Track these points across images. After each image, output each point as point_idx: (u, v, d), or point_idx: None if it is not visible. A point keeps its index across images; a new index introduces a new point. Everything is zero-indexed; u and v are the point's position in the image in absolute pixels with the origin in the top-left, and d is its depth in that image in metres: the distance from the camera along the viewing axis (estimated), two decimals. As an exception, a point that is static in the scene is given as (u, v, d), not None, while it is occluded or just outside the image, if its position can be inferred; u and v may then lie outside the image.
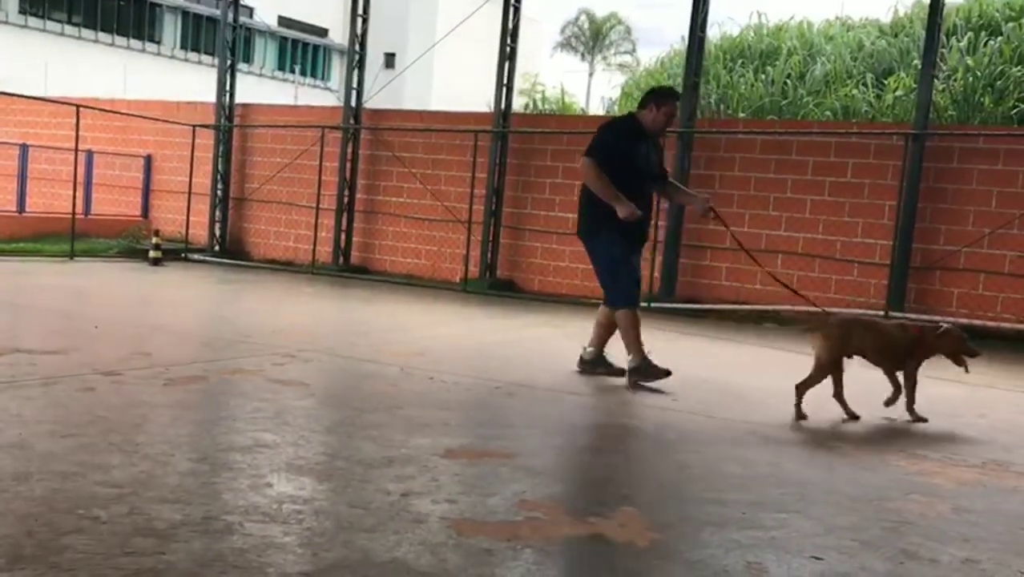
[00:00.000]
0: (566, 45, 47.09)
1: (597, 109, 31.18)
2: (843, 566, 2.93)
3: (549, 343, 7.98)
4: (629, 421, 4.95)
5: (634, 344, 5.96)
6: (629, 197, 5.81)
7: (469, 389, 5.59)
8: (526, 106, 25.01)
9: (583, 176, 6.02)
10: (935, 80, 10.43)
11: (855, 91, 17.67)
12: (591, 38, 46.41)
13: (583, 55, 46.85)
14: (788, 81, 18.69)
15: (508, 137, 12.62)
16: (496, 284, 12.42)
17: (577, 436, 4.48)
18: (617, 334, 6.11)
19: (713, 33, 20.70)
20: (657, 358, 6.02)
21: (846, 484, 3.95)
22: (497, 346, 7.55)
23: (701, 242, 11.48)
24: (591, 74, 45.89)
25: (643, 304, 10.98)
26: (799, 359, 7.86)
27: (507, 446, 4.16)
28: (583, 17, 46.68)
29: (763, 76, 19.05)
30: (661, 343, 8.45)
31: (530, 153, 12.62)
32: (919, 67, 11.65)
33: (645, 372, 5.92)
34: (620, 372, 6.10)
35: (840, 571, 2.89)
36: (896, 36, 19.55)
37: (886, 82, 17.39)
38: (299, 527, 2.94)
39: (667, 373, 5.92)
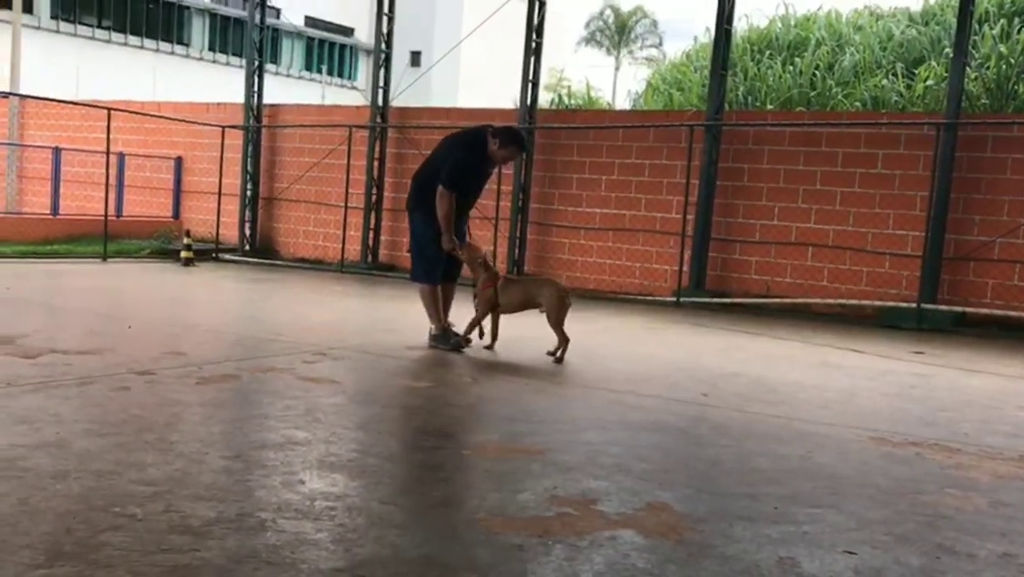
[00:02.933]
0: (591, 39, 46.92)
1: (623, 103, 31.06)
2: (877, 561, 2.90)
3: (577, 339, 7.95)
4: (660, 416, 4.93)
5: (433, 315, 6.69)
6: (459, 206, 6.62)
7: (498, 385, 5.60)
8: (552, 101, 24.97)
9: (438, 199, 6.50)
10: (967, 68, 10.28)
11: (885, 81, 17.46)
12: (616, 32, 46.21)
13: (608, 49, 46.65)
14: (817, 72, 18.50)
15: (535, 133, 12.61)
16: (524, 280, 12.41)
17: (608, 431, 4.47)
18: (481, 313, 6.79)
19: (740, 24, 20.53)
20: (688, 352, 5.99)
21: (880, 478, 3.91)
22: (525, 342, 7.54)
23: (730, 236, 11.41)
24: (617, 68, 45.71)
25: (672, 298, 11.02)
26: (829, 352, 7.82)
27: (537, 442, 4.17)
28: (608, 11, 46.50)
29: (791, 67, 18.87)
30: (691, 337, 8.43)
31: (556, 149, 12.60)
32: (950, 56, 11.48)
33: (442, 339, 6.61)
34: (458, 346, 6.61)
35: (874, 566, 2.86)
36: (927, 24, 19.28)
37: (916, 72, 17.16)
38: (331, 523, 2.96)
39: (459, 349, 6.54)
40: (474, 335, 6.69)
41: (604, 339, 8.08)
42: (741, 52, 19.55)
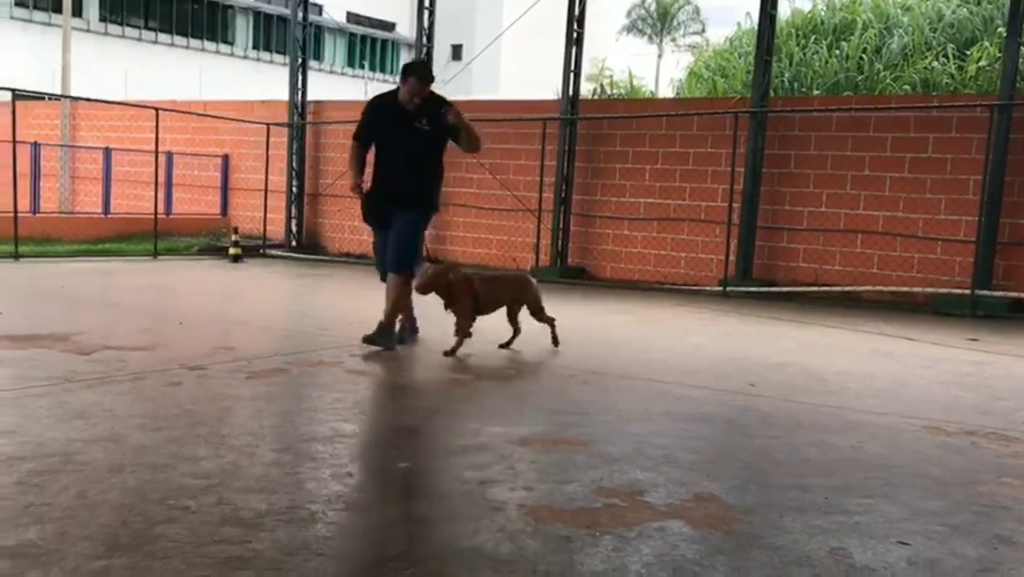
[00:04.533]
0: (633, 28, 46.54)
1: (667, 91, 30.79)
2: (931, 552, 2.85)
3: (622, 330, 7.93)
4: (708, 407, 4.89)
5: (404, 308, 6.35)
6: (380, 168, 6.26)
7: (542, 377, 5.60)
8: (594, 92, 24.84)
9: None
10: (1021, 48, 10.01)
11: (935, 63, 17.11)
12: (658, 20, 45.79)
13: (651, 37, 46.26)
14: (864, 56, 18.19)
15: (577, 124, 12.56)
16: (567, 272, 12.39)
17: (655, 422, 4.45)
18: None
19: (784, 9, 20.23)
20: (735, 342, 5.94)
21: (934, 468, 3.84)
22: (569, 334, 7.53)
23: (777, 224, 11.27)
24: (659, 56, 45.30)
25: (719, 288, 10.92)
26: (880, 340, 7.69)
27: (583, 433, 4.16)
28: (650, -1, 46.10)
29: (837, 52, 18.57)
30: (739, 327, 8.35)
31: (599, 139, 12.54)
32: (1004, 35, 11.20)
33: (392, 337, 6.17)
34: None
35: (928, 557, 2.81)
36: (979, 4, 18.84)
37: (968, 52, 16.78)
38: (379, 515, 2.99)
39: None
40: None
41: (650, 330, 8.03)
42: (785, 37, 19.28)
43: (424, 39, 14.09)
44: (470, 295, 6.04)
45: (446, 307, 6.07)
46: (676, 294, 10.99)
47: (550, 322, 6.55)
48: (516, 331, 6.40)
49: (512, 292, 6.41)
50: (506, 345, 6.33)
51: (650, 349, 6.84)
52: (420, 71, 6.15)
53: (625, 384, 5.43)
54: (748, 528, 3.01)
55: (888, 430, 4.50)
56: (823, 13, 20.68)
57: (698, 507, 3.19)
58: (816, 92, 17.85)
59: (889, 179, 10.65)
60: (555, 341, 6.49)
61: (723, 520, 3.07)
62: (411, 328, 6.55)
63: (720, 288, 11.04)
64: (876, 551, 2.84)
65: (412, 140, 6.15)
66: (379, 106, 6.36)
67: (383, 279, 6.31)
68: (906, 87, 16.77)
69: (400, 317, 6.35)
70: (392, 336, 6.16)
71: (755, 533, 2.97)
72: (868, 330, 8.32)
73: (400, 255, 6.12)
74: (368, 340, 6.03)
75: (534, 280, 6.67)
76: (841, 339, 7.79)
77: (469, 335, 6.05)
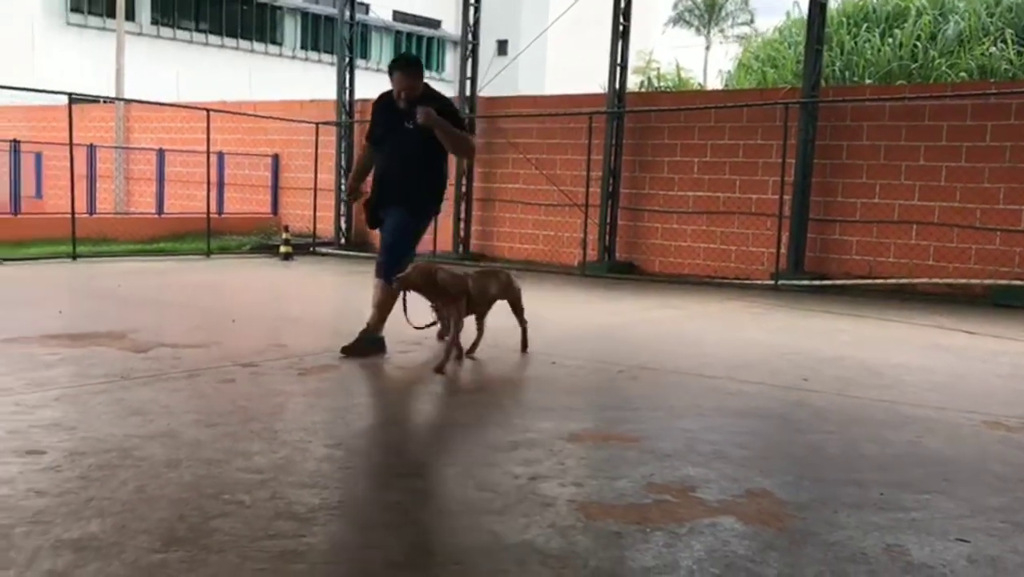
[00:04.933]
0: (680, 20, 46.09)
1: (715, 83, 30.48)
2: (992, 549, 2.79)
3: (672, 325, 7.87)
4: (760, 402, 4.84)
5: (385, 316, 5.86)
6: (376, 169, 5.98)
7: (592, 373, 5.58)
8: (641, 85, 24.68)
9: None
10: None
11: (992, 49, 16.68)
12: (706, 11, 45.28)
13: (698, 29, 45.77)
14: (918, 43, 17.81)
15: (624, 117, 12.49)
16: (615, 267, 12.33)
17: (705, 418, 4.41)
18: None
19: (835, -3, 19.88)
20: (788, 336, 5.85)
21: (995, 463, 3.75)
22: (618, 329, 7.50)
23: (829, 216, 11.09)
24: (707, 47, 44.80)
25: (770, 282, 10.78)
26: (937, 333, 7.54)
27: (633, 429, 4.14)
28: (697, -10, 45.60)
29: (890, 39, 18.21)
30: (791, 321, 8.24)
31: (646, 132, 12.45)
32: (1064, 19, 10.88)
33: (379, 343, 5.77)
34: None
35: (989, 554, 2.75)
36: (1037, -13, 18.33)
37: (1027, 37, 16.35)
38: (428, 510, 3.00)
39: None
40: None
41: (700, 325, 7.97)
42: (836, 26, 18.95)
43: (469, 35, 14.11)
44: (464, 295, 5.50)
45: (434, 308, 5.68)
46: (726, 288, 10.88)
47: (524, 323, 6.09)
48: (481, 333, 5.84)
49: (502, 288, 5.97)
50: (472, 351, 5.74)
51: (700, 344, 6.78)
52: (400, 64, 5.77)
53: (675, 379, 5.39)
54: (801, 524, 2.97)
55: (946, 425, 4.40)
56: (875, 1, 20.29)
57: (750, 503, 3.15)
58: (868, 81, 17.52)
59: (945, 169, 10.41)
60: (524, 345, 6.02)
61: (776, 516, 3.03)
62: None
63: (771, 282, 10.89)
64: (934, 548, 2.78)
65: (403, 140, 5.76)
66: (380, 105, 6.01)
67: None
68: (962, 74, 16.38)
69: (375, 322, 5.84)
70: (369, 341, 5.71)
71: (809, 529, 2.93)
72: (924, 323, 8.15)
73: (386, 260, 5.73)
74: (346, 350, 5.61)
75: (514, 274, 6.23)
76: (897, 332, 7.64)
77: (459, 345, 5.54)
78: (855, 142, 10.97)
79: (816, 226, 11.15)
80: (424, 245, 14.04)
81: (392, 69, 5.77)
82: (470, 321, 5.70)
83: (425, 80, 5.89)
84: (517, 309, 6.08)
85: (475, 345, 5.78)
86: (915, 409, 4.71)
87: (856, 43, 18.64)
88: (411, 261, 5.73)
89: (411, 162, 5.76)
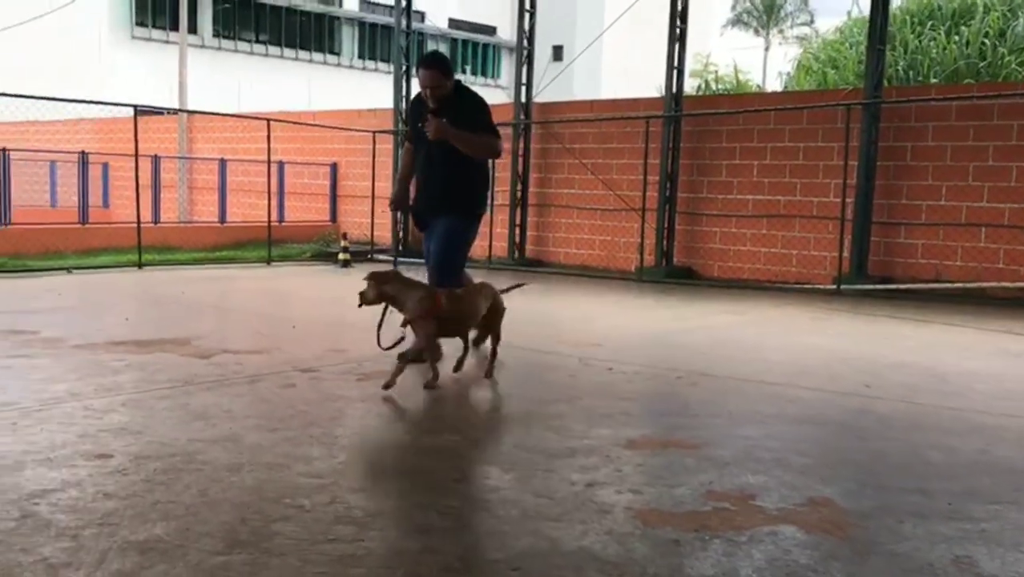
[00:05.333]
0: (738, 21, 45.67)
1: (774, 85, 30.08)
2: (1068, 562, 2.69)
3: (731, 331, 7.77)
4: (821, 409, 4.75)
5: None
6: (417, 171, 5.93)
7: (649, 379, 5.53)
8: (698, 88, 24.47)
9: None
10: None
11: (1063, 45, 16.19)
12: (764, 12, 44.78)
13: (757, 30, 45.28)
14: (986, 40, 17.35)
15: (681, 121, 12.39)
16: (673, 272, 12.23)
17: (765, 425, 4.34)
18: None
19: (897, -5, 19.48)
20: (850, 342, 5.74)
21: (1068, 473, 3.63)
22: (677, 335, 7.44)
23: (893, 218, 10.85)
24: (767, 49, 44.29)
25: (832, 286, 10.59)
26: (1007, 339, 7.32)
27: (692, 436, 4.09)
28: (755, -9, 45.12)
29: (956, 37, 17.77)
30: (854, 326, 8.08)
31: (704, 135, 12.34)
32: None
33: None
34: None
35: (1065, 568, 2.65)
36: (1112, -20, 17.75)
37: (1101, 32, 15.83)
38: (488, 516, 3.00)
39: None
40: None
41: (761, 330, 7.85)
42: (900, 24, 18.57)
43: (525, 42, 14.14)
44: (431, 315, 5.02)
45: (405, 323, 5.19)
46: (787, 293, 10.71)
47: (496, 349, 5.41)
48: (467, 350, 5.41)
49: (479, 308, 5.30)
50: (458, 367, 5.31)
51: (760, 349, 6.68)
52: (425, 61, 5.72)
53: (735, 385, 5.32)
54: (865, 533, 2.91)
55: (1017, 433, 4.27)
56: (940, -2, 19.83)
57: (812, 511, 3.09)
58: (934, 80, 17.12)
59: (1015, 169, 10.12)
60: (490, 371, 5.34)
61: (838, 525, 2.97)
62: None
63: (834, 286, 10.70)
64: (1005, 560, 2.69)
65: (441, 151, 5.67)
66: (413, 104, 6.00)
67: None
68: (1032, 72, 15.92)
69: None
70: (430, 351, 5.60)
71: (872, 539, 2.86)
72: (994, 328, 7.93)
73: (440, 269, 5.75)
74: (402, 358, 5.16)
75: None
76: (964, 338, 7.44)
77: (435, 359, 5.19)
78: (920, 143, 10.73)
79: (880, 229, 10.91)
80: (479, 251, 14.12)
81: (418, 67, 5.79)
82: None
83: (476, 89, 5.89)
84: (495, 330, 5.43)
85: (460, 362, 5.30)
86: (983, 417, 4.58)
87: (920, 42, 18.23)
88: (463, 269, 5.75)
89: (447, 162, 5.70)
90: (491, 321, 5.38)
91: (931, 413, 4.66)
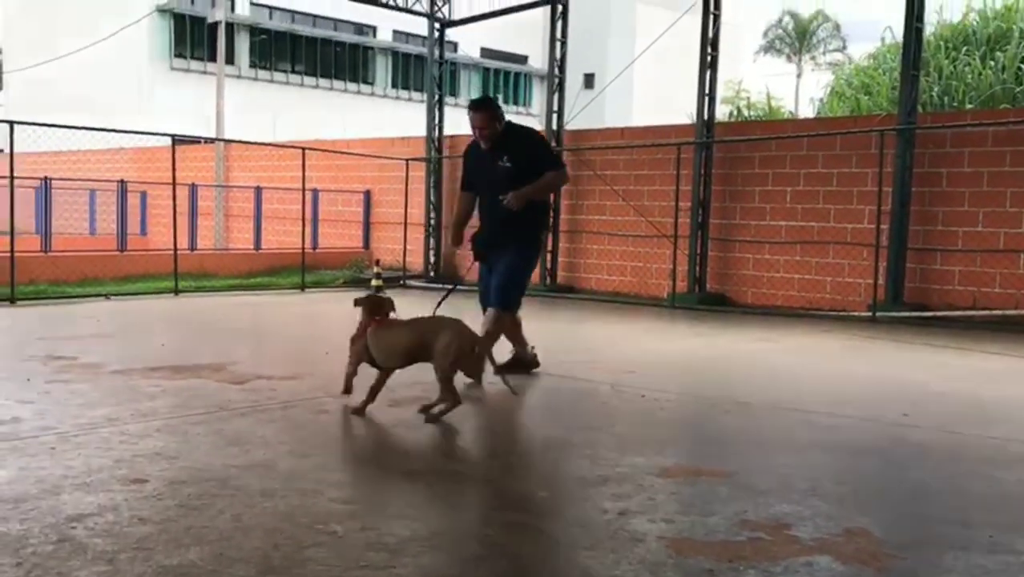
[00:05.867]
0: (770, 48, 45.58)
1: (807, 111, 29.95)
2: (1115, 597, 2.62)
3: (765, 358, 7.70)
4: (857, 437, 4.68)
5: (518, 339, 6.34)
6: (479, 210, 6.25)
7: (683, 406, 5.49)
8: (730, 114, 24.43)
9: None
10: None
11: (1102, 69, 16.00)
12: (797, 38, 44.67)
13: (789, 56, 45.16)
14: (1022, 66, 17.18)
15: (713, 147, 12.37)
16: (706, 298, 12.16)
17: (801, 454, 4.29)
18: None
19: (930, 21, 19.36)
20: (887, 370, 5.66)
21: (1114, 505, 3.54)
22: (710, 362, 7.38)
23: (929, 245, 10.72)
24: (799, 75, 44.12)
25: (868, 313, 10.46)
26: (1049, 367, 7.18)
27: (725, 464, 4.05)
28: (787, 18, 45.04)
29: (992, 63, 17.62)
30: (890, 354, 7.97)
31: (736, 162, 12.30)
32: None
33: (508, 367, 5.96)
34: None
35: (1112, 603, 2.59)
36: None
37: None
38: (520, 544, 2.99)
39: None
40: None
41: (795, 357, 7.78)
42: (934, 50, 18.44)
43: (556, 70, 14.23)
44: (360, 339, 5.01)
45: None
46: (822, 320, 10.60)
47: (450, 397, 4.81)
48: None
49: (421, 347, 4.91)
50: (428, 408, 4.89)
51: (795, 377, 6.61)
52: (473, 105, 6.03)
53: (770, 413, 5.27)
54: (903, 565, 2.85)
55: (1060, 464, 4.18)
56: (975, 23, 19.68)
57: (848, 542, 3.05)
58: (969, 106, 16.96)
59: (1054, 195, 9.97)
60: (426, 410, 4.85)
61: (875, 556, 2.92)
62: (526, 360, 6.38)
63: (869, 313, 10.57)
64: (1050, 595, 2.63)
65: (498, 179, 5.94)
66: (468, 152, 6.34)
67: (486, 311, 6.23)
68: (1070, 96, 15.73)
69: (516, 348, 6.33)
70: (528, 363, 6.31)
71: (911, 570, 2.81)
72: (1034, 356, 7.78)
73: (504, 294, 6.09)
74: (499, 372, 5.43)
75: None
76: (1004, 366, 7.31)
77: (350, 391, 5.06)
78: (956, 169, 10.61)
79: (915, 256, 10.79)
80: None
81: (469, 111, 6.05)
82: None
83: (507, 117, 6.12)
84: (467, 369, 5.16)
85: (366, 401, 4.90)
86: (1026, 446, 4.49)
87: (955, 67, 18.10)
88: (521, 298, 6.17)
89: (494, 201, 5.97)
90: (460, 362, 4.92)
91: (971, 442, 4.58)
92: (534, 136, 6.23)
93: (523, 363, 6.30)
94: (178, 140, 13.11)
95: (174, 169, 12.45)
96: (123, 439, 4.19)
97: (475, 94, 41.63)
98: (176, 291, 12.00)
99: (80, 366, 6.20)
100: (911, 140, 10.71)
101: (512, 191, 5.86)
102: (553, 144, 13.89)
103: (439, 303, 5.71)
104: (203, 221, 17.92)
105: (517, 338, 6.34)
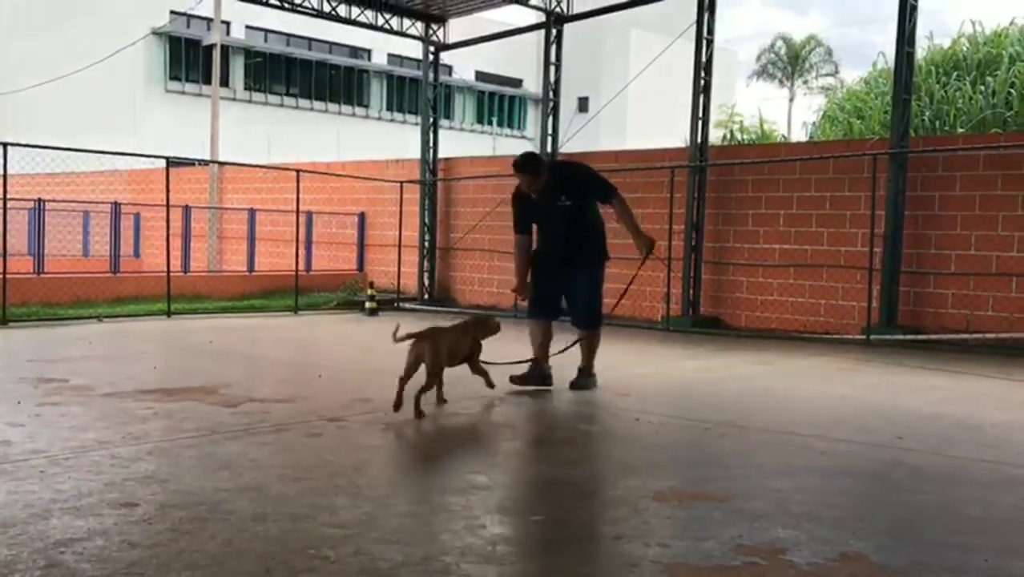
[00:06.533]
0: (763, 72, 45.93)
1: (799, 135, 30.13)
2: (1113, 623, 2.61)
3: (760, 381, 7.69)
4: (853, 461, 4.67)
5: (534, 349, 6.70)
6: (544, 241, 6.75)
7: (677, 429, 5.48)
8: (723, 138, 24.55)
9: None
10: None
11: (1092, 95, 16.13)
12: (789, 63, 45.03)
13: (781, 81, 45.51)
14: (1012, 91, 17.30)
15: (706, 171, 12.42)
16: (700, 321, 12.16)
17: (796, 477, 4.27)
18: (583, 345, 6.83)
19: (922, 46, 19.52)
20: (881, 393, 5.65)
21: (1110, 530, 3.53)
22: (704, 385, 7.37)
23: (922, 268, 10.75)
24: (791, 99, 44.47)
25: (862, 337, 10.46)
26: (1043, 390, 7.18)
27: (721, 488, 4.03)
28: (779, 42, 45.43)
29: (982, 87, 17.75)
30: (884, 377, 7.97)
31: (729, 185, 12.35)
32: None
33: (524, 378, 6.56)
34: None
35: (1110, 628, 2.57)
36: None
37: None
38: (512, 569, 2.97)
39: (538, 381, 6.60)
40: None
41: (790, 381, 7.77)
42: (925, 75, 18.58)
43: (551, 94, 14.30)
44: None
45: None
46: (816, 343, 10.60)
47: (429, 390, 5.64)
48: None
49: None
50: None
51: (790, 400, 6.60)
52: (518, 167, 6.50)
53: (764, 437, 5.25)
54: (902, 591, 2.83)
55: (1055, 487, 4.17)
56: (965, 48, 19.84)
57: (844, 566, 3.03)
58: (960, 130, 17.07)
59: (1045, 218, 10.01)
60: (419, 413, 5.44)
61: (874, 582, 2.90)
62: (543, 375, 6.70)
63: (863, 336, 10.58)
64: (1048, 620, 2.61)
65: (562, 218, 6.54)
66: (522, 196, 6.70)
67: (532, 317, 6.80)
68: (1060, 121, 15.82)
69: (540, 359, 6.68)
70: (593, 377, 6.71)
71: (910, 597, 2.79)
72: (1027, 379, 7.79)
73: (593, 313, 6.76)
74: (573, 386, 6.59)
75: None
76: (998, 389, 7.32)
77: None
78: (948, 192, 10.67)
79: (909, 279, 10.82)
80: (505, 300, 14.15)
81: (515, 172, 6.56)
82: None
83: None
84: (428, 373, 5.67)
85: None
86: (1020, 470, 4.48)
87: (947, 92, 18.22)
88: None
89: (579, 231, 6.61)
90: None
91: (967, 466, 4.57)
92: (583, 172, 6.77)
93: (541, 376, 6.61)
94: (172, 162, 13.12)
95: (168, 191, 12.45)
96: (114, 462, 4.16)
97: (470, 117, 41.89)
98: (169, 313, 11.97)
99: (71, 388, 6.17)
100: (903, 164, 10.76)
101: (575, 218, 6.53)
102: (547, 167, 13.94)
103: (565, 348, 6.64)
104: (197, 243, 17.89)
105: (545, 352, 6.68)
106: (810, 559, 3.09)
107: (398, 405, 5.41)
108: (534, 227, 6.78)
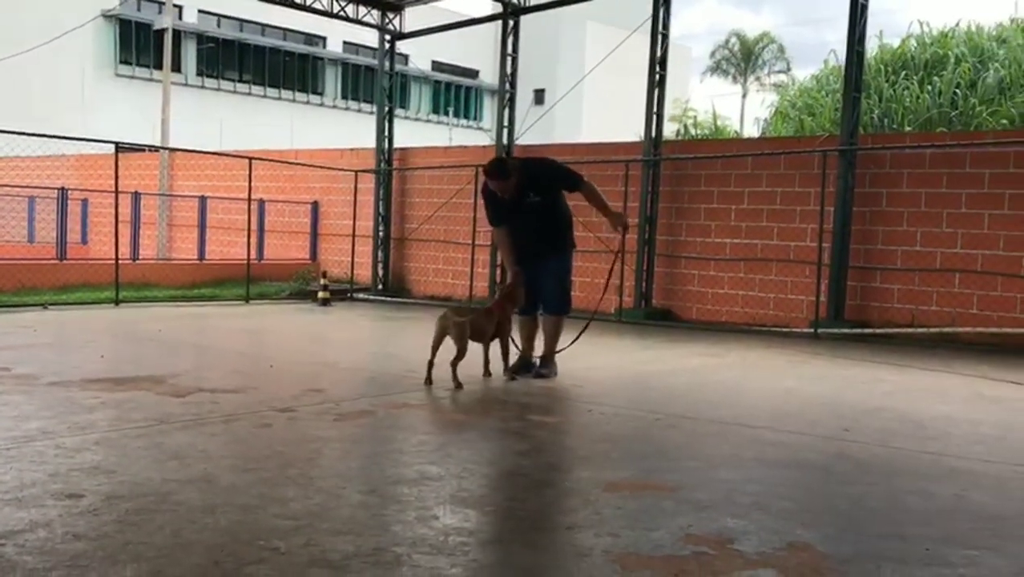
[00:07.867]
0: (717, 68, 46.36)
1: (752, 131, 30.50)
2: (1046, 609, 2.69)
3: (710, 373, 7.79)
4: (800, 453, 4.75)
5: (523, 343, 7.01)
6: (515, 235, 6.90)
7: (629, 421, 5.53)
8: (677, 132, 24.77)
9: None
10: None
11: (1034, 96, 16.55)
12: (743, 59, 45.51)
13: (735, 77, 45.98)
14: (957, 91, 17.72)
15: (660, 165, 12.51)
16: (652, 313, 12.27)
17: (745, 468, 4.34)
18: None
19: (871, 45, 19.86)
20: (828, 386, 5.76)
21: (1045, 519, 3.64)
22: (656, 376, 7.44)
23: (870, 263, 10.96)
24: (744, 95, 44.95)
25: (810, 330, 10.65)
26: (982, 384, 7.38)
27: (670, 479, 4.08)
28: (733, 39, 45.89)
29: (929, 87, 18.14)
30: (831, 370, 8.12)
31: (683, 179, 12.46)
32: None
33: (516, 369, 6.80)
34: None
35: (1043, 614, 2.65)
36: (1079, 34, 18.20)
37: (1069, 84, 16.20)
38: (465, 559, 2.97)
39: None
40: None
41: (739, 373, 7.88)
42: (874, 73, 18.92)
43: (507, 85, 14.29)
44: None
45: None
46: (765, 336, 10.77)
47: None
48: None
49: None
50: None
51: (739, 392, 6.70)
52: (490, 173, 6.73)
53: (714, 428, 5.32)
54: (845, 580, 2.89)
55: (994, 479, 4.29)
56: (914, 48, 20.25)
57: (791, 556, 3.08)
58: (908, 128, 17.43)
59: (988, 216, 10.27)
60: (457, 384, 6.20)
61: (817, 570, 2.96)
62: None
63: (811, 330, 10.77)
64: (984, 607, 2.69)
65: (532, 214, 6.76)
66: (491, 193, 6.86)
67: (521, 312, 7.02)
68: (1003, 122, 16.24)
69: (525, 349, 6.95)
70: (554, 365, 6.89)
71: (853, 585, 2.85)
72: (969, 373, 7.99)
73: (563, 301, 6.97)
74: (537, 375, 6.78)
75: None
76: (940, 383, 7.49)
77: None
78: (895, 189, 10.88)
79: (856, 274, 11.02)
80: (460, 291, 14.14)
81: (487, 176, 6.76)
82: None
83: (511, 160, 7.25)
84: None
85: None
86: (960, 461, 4.60)
87: (895, 91, 18.59)
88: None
89: (546, 223, 6.83)
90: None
91: (909, 457, 4.68)
92: (548, 168, 7.06)
93: (527, 366, 6.85)
94: (122, 148, 12.87)
95: (117, 177, 12.21)
96: (58, 452, 4.08)
97: (426, 107, 41.70)
98: (117, 301, 11.76)
99: (14, 377, 6.03)
100: (853, 161, 10.96)
101: (544, 212, 6.77)
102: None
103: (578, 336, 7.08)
104: (146, 230, 17.60)
105: (532, 342, 6.97)
106: (758, 548, 3.14)
107: (428, 380, 6.21)
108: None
